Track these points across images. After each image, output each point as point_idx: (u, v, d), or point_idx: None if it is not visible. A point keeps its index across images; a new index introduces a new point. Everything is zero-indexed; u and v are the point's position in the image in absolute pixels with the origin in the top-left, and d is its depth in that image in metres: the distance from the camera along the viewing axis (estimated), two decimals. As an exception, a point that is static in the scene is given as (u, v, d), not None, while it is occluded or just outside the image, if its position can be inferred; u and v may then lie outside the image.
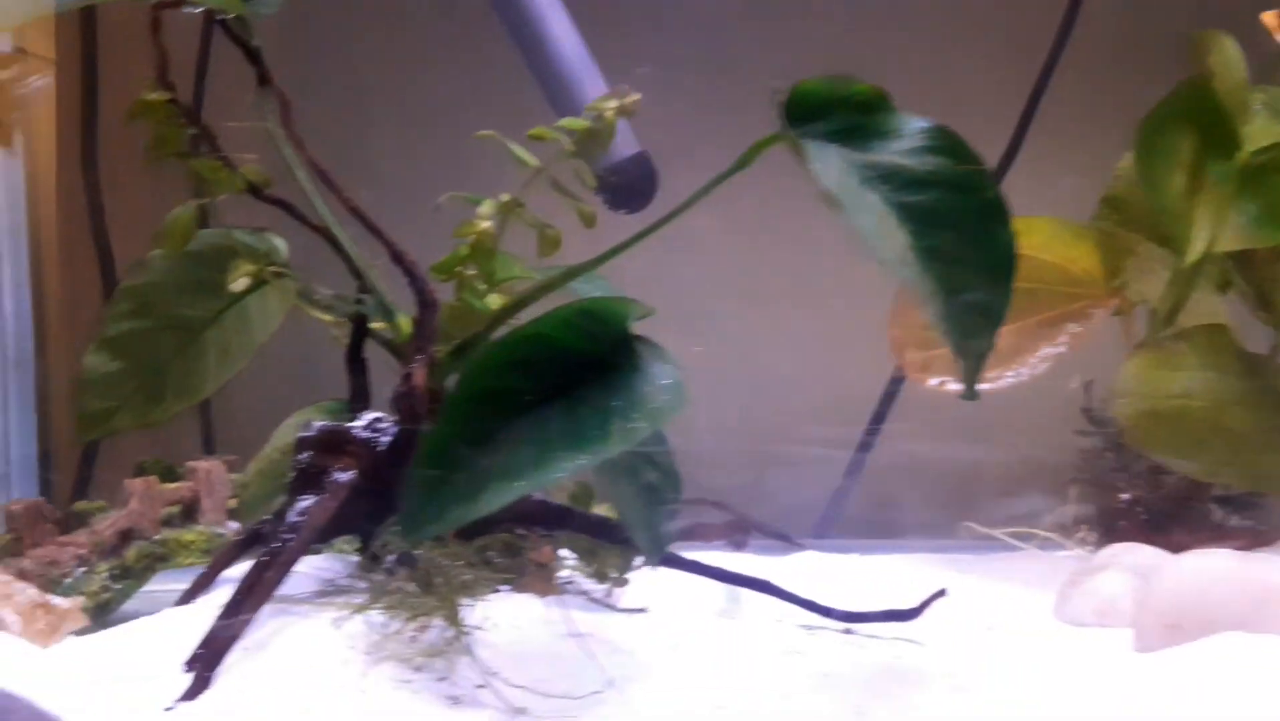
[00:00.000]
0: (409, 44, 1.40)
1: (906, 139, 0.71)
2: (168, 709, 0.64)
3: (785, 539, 1.16)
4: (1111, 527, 1.10)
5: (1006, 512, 1.21)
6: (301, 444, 0.76)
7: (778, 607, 0.86)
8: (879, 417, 1.33)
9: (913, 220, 0.70)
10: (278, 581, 0.70)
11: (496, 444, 0.66)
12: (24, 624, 0.74)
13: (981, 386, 1.12)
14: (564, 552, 0.88)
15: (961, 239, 0.71)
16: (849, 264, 1.34)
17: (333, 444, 0.75)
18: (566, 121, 0.86)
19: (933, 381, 1.08)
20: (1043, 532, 1.17)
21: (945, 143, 0.71)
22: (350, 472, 0.75)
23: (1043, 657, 0.77)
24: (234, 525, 1.01)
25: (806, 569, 1.13)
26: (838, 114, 0.70)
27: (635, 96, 0.86)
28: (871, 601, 0.84)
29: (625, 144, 1.20)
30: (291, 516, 0.73)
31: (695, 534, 0.98)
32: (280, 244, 0.93)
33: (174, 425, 1.03)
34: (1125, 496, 1.09)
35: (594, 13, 1.19)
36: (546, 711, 0.68)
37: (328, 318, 0.91)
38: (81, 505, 1.01)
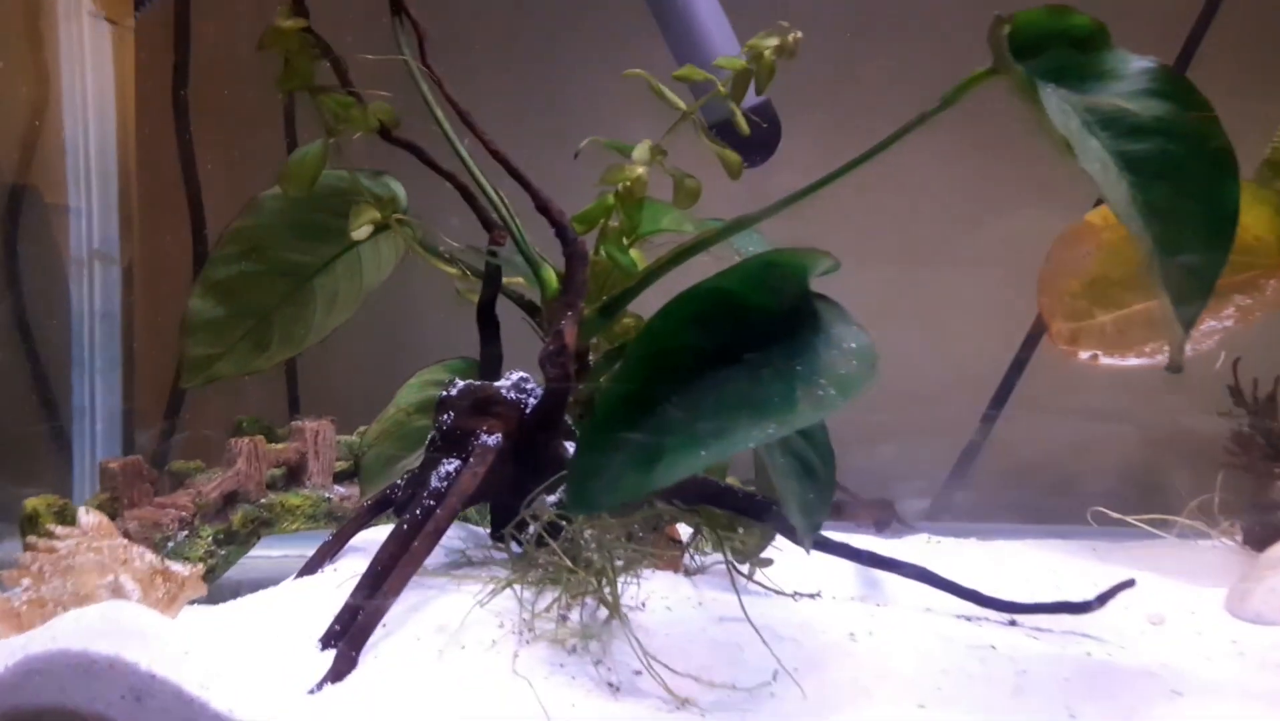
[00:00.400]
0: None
1: (1127, 80, 0.64)
2: (312, 691, 0.59)
3: (900, 521, 1.09)
4: (1268, 518, 1.02)
5: (1141, 498, 1.14)
6: (443, 404, 0.70)
7: (924, 594, 0.80)
8: (1001, 396, 1.25)
9: (1133, 171, 0.63)
10: (425, 553, 0.64)
11: (674, 408, 0.60)
12: (143, 591, 0.68)
13: (1132, 362, 1.05)
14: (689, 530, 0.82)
15: (1183, 193, 0.64)
16: (973, 231, 1.28)
17: (479, 405, 0.69)
18: (722, 60, 0.79)
19: (1083, 354, 1.00)
20: (1184, 520, 1.09)
21: (1170, 86, 0.64)
22: (497, 436, 0.68)
23: (1246, 659, 0.70)
24: (340, 489, 0.96)
25: (928, 553, 1.06)
26: (1054, 49, 0.63)
27: (797, 34, 0.78)
28: (1013, 590, 0.78)
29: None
30: (435, 482, 0.67)
31: (839, 514, 0.91)
32: (399, 189, 0.87)
33: (254, 383, 0.98)
34: (1284, 484, 1.02)
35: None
36: (712, 702, 0.62)
37: (452, 270, 0.85)
38: (179, 464, 0.95)
